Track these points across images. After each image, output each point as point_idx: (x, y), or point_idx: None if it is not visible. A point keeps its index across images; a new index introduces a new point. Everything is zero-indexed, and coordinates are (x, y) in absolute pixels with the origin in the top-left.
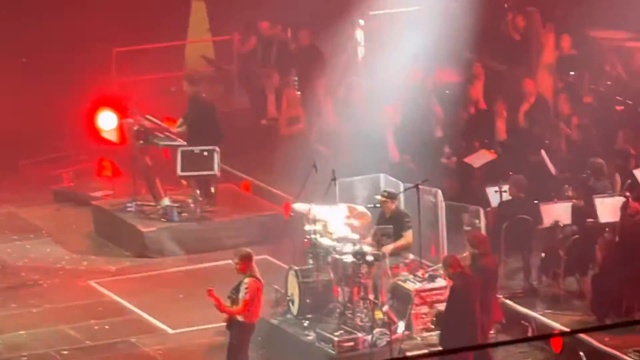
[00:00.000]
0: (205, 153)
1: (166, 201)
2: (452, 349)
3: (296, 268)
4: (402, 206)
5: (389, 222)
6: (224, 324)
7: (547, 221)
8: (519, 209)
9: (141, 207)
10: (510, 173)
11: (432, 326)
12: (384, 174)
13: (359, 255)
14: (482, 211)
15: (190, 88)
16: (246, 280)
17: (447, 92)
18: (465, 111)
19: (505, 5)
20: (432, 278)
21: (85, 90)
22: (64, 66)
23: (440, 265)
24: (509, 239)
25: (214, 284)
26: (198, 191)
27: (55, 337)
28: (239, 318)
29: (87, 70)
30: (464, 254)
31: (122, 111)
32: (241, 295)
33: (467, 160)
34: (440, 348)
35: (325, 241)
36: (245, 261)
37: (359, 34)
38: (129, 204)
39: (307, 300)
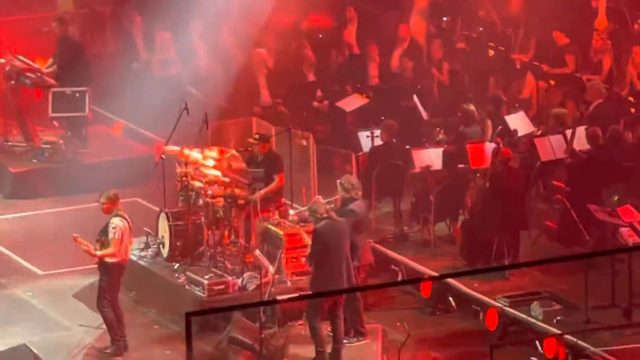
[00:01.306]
0: (77, 94)
1: (37, 142)
2: (321, 292)
3: (167, 211)
4: (273, 149)
5: (260, 166)
6: (94, 265)
7: (418, 166)
8: (390, 153)
9: (12, 147)
10: (382, 118)
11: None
12: (256, 117)
13: (230, 198)
14: (353, 155)
15: (59, 28)
16: (113, 220)
17: (320, 35)
18: (337, 55)
19: None
20: (303, 222)
21: None
22: None
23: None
24: (380, 184)
25: (84, 226)
26: (69, 132)
27: None
28: (109, 259)
29: None
30: (335, 197)
31: None
32: (110, 236)
33: (339, 104)
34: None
35: (196, 184)
36: (112, 201)
37: None
38: None
39: (178, 243)
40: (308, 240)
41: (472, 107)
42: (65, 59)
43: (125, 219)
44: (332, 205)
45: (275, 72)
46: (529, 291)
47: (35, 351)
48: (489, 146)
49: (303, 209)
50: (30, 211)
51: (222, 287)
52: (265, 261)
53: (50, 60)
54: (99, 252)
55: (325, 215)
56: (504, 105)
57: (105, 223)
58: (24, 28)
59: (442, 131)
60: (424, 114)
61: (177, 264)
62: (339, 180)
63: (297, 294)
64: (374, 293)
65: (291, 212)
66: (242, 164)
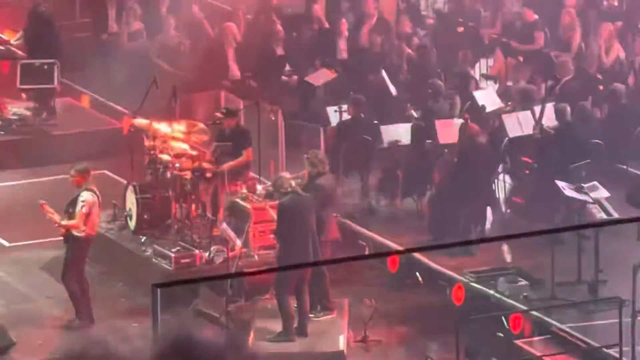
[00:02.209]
0: (45, 66)
1: (5, 114)
2: (287, 265)
3: (134, 183)
4: (242, 123)
5: (228, 139)
6: (61, 238)
7: (386, 141)
8: (358, 128)
9: None
10: (351, 93)
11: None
12: (224, 90)
13: (198, 172)
14: (321, 130)
15: (31, 1)
16: (83, 193)
17: (289, 10)
18: (306, 29)
19: None
20: (270, 196)
21: None
22: None
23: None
24: (348, 159)
25: (52, 198)
26: (37, 104)
27: None
28: (76, 232)
29: None
30: (302, 172)
31: None
32: (78, 208)
33: (307, 78)
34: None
35: (164, 157)
36: (82, 175)
37: None
38: None
39: (145, 216)
40: (274, 215)
41: (439, 82)
42: (35, 32)
43: (96, 194)
44: (299, 180)
45: (244, 45)
46: (495, 267)
47: (1, 322)
48: (457, 122)
49: (268, 183)
50: None
51: (189, 260)
52: (232, 234)
53: (20, 33)
54: (64, 222)
55: (289, 189)
56: (473, 80)
57: (75, 195)
58: None
59: (412, 108)
60: (392, 89)
61: (144, 237)
62: (305, 155)
63: (264, 268)
64: (341, 267)
65: (259, 187)
66: (211, 138)
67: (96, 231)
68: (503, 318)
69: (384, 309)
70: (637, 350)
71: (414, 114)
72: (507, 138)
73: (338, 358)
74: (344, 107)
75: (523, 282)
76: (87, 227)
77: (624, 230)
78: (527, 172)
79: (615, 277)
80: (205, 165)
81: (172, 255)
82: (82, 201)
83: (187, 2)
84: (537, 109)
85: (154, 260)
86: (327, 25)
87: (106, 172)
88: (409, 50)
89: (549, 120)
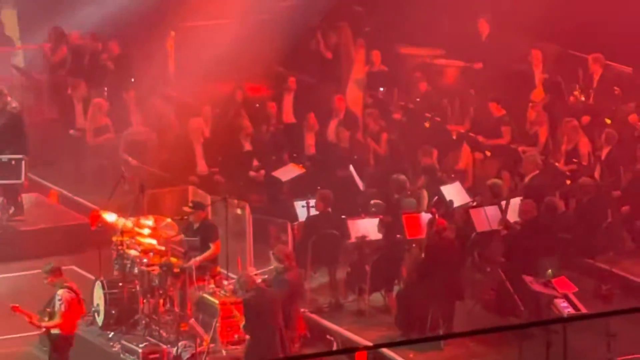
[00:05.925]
0: (13, 162)
1: None
2: None
3: (102, 279)
4: (209, 218)
5: (196, 234)
6: (31, 333)
7: (354, 236)
8: (326, 223)
9: None
10: (318, 187)
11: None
12: (192, 186)
13: (165, 267)
14: (289, 225)
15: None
16: (59, 291)
17: (257, 105)
18: (274, 125)
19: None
20: (235, 292)
21: None
22: None
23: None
24: (316, 254)
25: (19, 294)
26: (4, 200)
27: None
28: (55, 331)
29: None
30: (270, 267)
31: None
32: (57, 307)
33: (275, 173)
34: None
35: (131, 252)
36: (51, 274)
37: (170, 45)
38: None
39: (113, 311)
40: (237, 314)
41: (402, 177)
42: (3, 130)
43: (73, 290)
44: (266, 276)
45: (212, 140)
46: None
47: None
48: (425, 216)
49: (235, 278)
50: None
51: (156, 355)
52: (200, 330)
53: None
54: (44, 323)
55: (253, 286)
56: (439, 174)
57: (53, 295)
58: None
59: (379, 203)
60: (360, 184)
61: (112, 332)
62: (271, 251)
63: None
64: None
65: (225, 282)
66: (178, 233)
67: (76, 329)
68: None
69: None
70: None
71: (377, 207)
72: (474, 233)
73: None
74: (312, 201)
75: None
76: (67, 325)
77: (592, 325)
78: (494, 266)
79: None
80: (173, 260)
81: (140, 350)
82: (59, 299)
83: (154, 97)
84: (505, 203)
85: (122, 356)
86: (294, 120)
87: (74, 267)
88: (376, 145)
89: (516, 215)
